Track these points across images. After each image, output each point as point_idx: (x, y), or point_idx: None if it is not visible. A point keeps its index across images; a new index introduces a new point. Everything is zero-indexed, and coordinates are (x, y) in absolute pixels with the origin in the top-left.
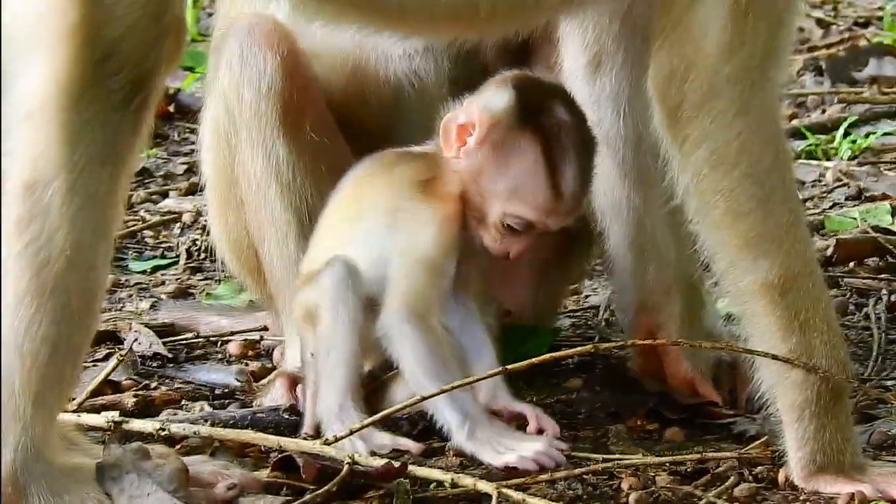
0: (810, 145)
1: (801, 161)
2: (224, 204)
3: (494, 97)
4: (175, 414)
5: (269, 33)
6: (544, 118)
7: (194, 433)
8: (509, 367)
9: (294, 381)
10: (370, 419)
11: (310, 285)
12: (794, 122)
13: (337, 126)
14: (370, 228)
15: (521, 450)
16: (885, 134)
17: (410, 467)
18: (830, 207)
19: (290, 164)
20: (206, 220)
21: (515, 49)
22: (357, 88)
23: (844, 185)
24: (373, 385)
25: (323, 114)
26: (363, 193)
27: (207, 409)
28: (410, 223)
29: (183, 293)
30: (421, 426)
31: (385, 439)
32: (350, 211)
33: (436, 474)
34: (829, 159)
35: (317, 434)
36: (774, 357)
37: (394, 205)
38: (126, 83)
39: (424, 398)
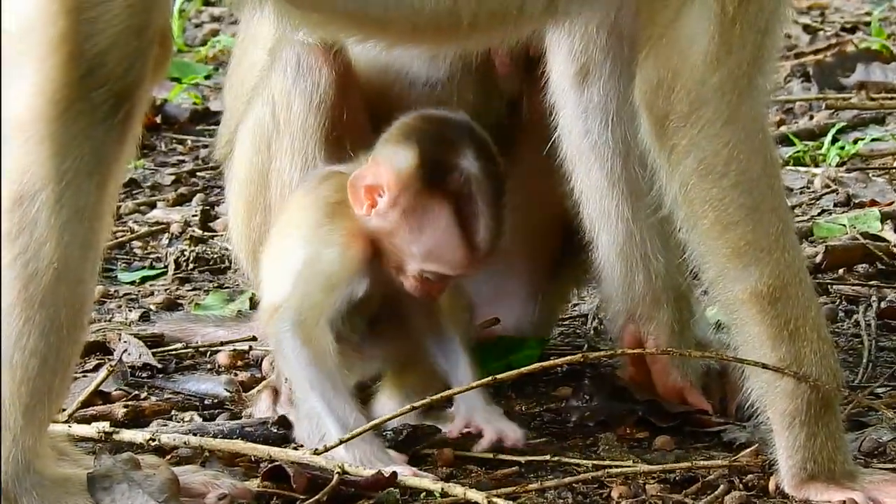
0: (798, 152)
1: (789, 168)
2: (250, 204)
3: (399, 156)
4: (165, 424)
5: (328, 46)
6: (452, 176)
7: (184, 443)
8: (498, 376)
9: (279, 393)
10: (356, 431)
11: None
12: (782, 129)
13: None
14: (293, 261)
15: (394, 466)
16: (874, 140)
17: (400, 477)
18: (819, 214)
19: None
20: (194, 231)
21: (524, 66)
22: (382, 113)
23: (833, 191)
24: (359, 397)
25: (366, 134)
26: (290, 220)
27: (197, 419)
28: (317, 243)
29: (172, 304)
30: (405, 434)
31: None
32: (282, 238)
33: (426, 483)
34: (817, 166)
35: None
36: (764, 366)
37: (307, 228)
38: (111, 95)
39: (414, 408)
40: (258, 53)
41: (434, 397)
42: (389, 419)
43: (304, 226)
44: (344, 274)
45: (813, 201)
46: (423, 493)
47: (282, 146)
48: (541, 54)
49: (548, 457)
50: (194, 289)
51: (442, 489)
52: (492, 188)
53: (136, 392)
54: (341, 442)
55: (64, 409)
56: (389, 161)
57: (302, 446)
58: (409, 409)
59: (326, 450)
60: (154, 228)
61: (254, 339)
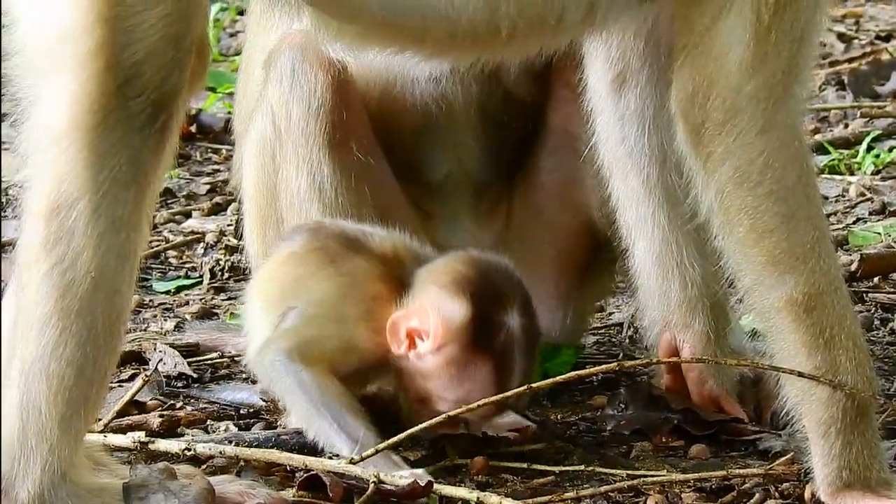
0: (833, 160)
1: (824, 176)
2: (262, 219)
3: (451, 307)
4: (201, 434)
5: (321, 52)
6: (499, 334)
7: (220, 453)
8: (533, 385)
9: None
10: (392, 440)
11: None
12: (817, 137)
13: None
14: (305, 300)
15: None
16: None
17: (436, 486)
18: (854, 222)
19: (333, 184)
20: (229, 240)
21: (538, 72)
22: (385, 111)
23: (868, 199)
24: (393, 406)
25: (368, 135)
26: (299, 281)
27: (233, 428)
28: (346, 314)
29: (207, 313)
30: (441, 444)
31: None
32: (283, 294)
33: (461, 493)
34: (852, 174)
35: None
36: (800, 374)
37: (335, 313)
38: (148, 104)
39: (451, 417)
40: (259, 73)
41: (458, 410)
42: (419, 430)
43: (325, 309)
44: (361, 354)
45: (848, 209)
46: (459, 502)
47: (286, 155)
48: (556, 60)
49: (583, 466)
50: (229, 298)
51: (477, 498)
52: (529, 344)
53: (172, 402)
54: (361, 459)
55: (99, 419)
56: (439, 309)
57: (338, 456)
58: (441, 420)
59: (362, 459)
60: (189, 238)
61: None
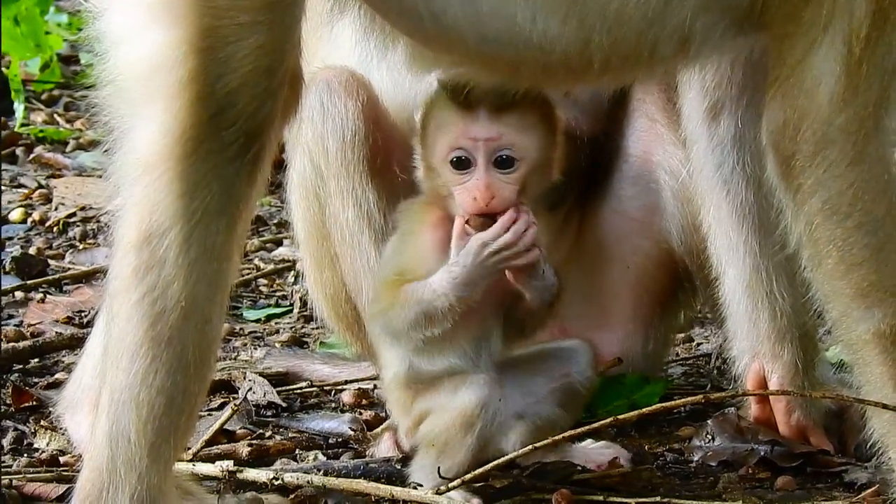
0: None
1: None
2: (317, 260)
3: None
4: (289, 463)
5: (348, 82)
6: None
7: (308, 482)
8: (620, 416)
9: None
10: (481, 469)
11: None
12: None
13: None
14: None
15: None
16: None
17: None
18: None
19: (381, 209)
20: None
21: (604, 107)
22: None
23: None
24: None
25: (408, 155)
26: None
27: (321, 458)
28: (405, 246)
29: (297, 342)
30: (531, 469)
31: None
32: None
33: None
34: None
35: None
36: (885, 406)
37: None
38: (241, 135)
39: (536, 447)
40: None
41: (556, 437)
42: (511, 458)
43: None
44: (431, 255)
45: None
46: None
47: (329, 191)
48: (637, 93)
49: (668, 499)
50: (319, 327)
51: None
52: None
53: (261, 431)
54: (447, 490)
55: (188, 448)
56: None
57: (422, 485)
58: (529, 450)
59: (449, 489)
60: (280, 266)
61: (378, 377)
